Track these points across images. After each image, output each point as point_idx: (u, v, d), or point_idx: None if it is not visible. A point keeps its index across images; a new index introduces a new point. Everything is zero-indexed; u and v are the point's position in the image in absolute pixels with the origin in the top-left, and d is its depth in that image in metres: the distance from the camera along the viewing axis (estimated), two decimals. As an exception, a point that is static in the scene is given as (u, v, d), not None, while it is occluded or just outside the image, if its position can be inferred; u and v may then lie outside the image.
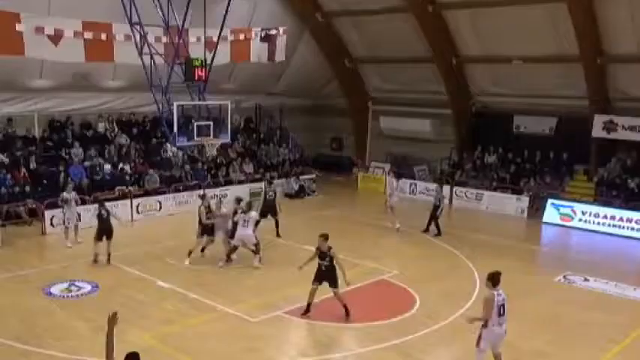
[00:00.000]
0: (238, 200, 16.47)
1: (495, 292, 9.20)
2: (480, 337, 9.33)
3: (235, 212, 15.91)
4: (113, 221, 16.09)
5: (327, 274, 12.15)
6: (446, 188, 25.56)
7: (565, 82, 23.79)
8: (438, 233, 19.63)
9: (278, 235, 18.96)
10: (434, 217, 19.76)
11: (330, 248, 12.11)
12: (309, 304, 12.37)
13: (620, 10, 20.36)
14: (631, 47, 21.33)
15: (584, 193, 23.17)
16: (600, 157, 23.96)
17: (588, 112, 23.37)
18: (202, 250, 16.16)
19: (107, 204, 16.61)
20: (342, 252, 16.27)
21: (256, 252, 15.82)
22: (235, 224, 15.78)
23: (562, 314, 13.27)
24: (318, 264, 12.29)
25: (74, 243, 17.30)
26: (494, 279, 9.30)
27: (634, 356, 11.38)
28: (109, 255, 15.73)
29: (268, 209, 19.18)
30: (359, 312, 12.48)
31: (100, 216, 15.87)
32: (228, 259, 15.84)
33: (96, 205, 17.98)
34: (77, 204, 17.67)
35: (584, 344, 11.69)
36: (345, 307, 12.29)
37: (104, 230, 15.75)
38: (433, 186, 26.05)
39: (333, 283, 12.18)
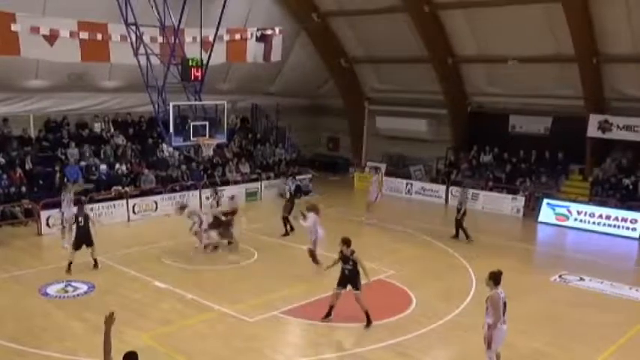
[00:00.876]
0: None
1: (499, 291, 9.24)
2: (490, 338, 9.26)
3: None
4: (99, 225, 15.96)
5: (350, 277, 12.07)
6: (442, 188, 25.76)
7: (560, 82, 23.86)
8: (467, 238, 19.10)
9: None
10: (459, 221, 19.23)
11: (352, 252, 12.03)
12: (331, 307, 12.19)
13: (615, 9, 20.41)
14: (626, 47, 21.40)
15: (579, 193, 23.24)
16: (595, 156, 24.04)
17: (584, 112, 23.44)
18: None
19: (88, 207, 16.70)
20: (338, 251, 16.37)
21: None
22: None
23: (558, 314, 13.30)
24: (342, 268, 12.17)
25: (70, 243, 17.08)
26: (496, 278, 9.33)
27: (630, 355, 11.42)
28: (95, 260, 15.25)
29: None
30: (355, 312, 12.49)
31: (77, 222, 15.02)
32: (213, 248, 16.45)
33: (92, 206, 18.10)
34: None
35: (580, 343, 11.72)
36: (366, 313, 12.04)
37: (82, 238, 14.95)
38: (430, 185, 26.33)
39: (356, 286, 12.06)
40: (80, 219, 15.01)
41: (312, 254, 15.46)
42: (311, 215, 15.50)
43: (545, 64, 23.89)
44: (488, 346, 9.28)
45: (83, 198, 19.39)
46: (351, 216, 22.16)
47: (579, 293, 14.82)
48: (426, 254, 17.67)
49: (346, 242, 12.09)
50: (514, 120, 26.41)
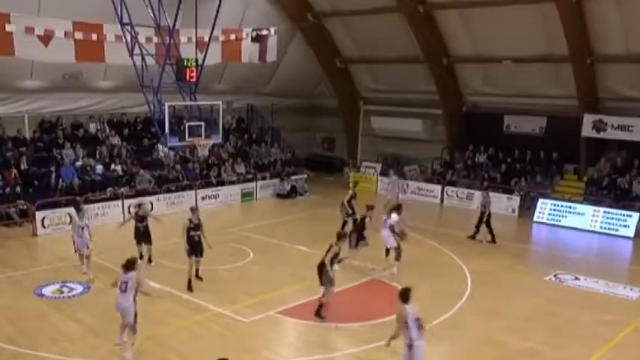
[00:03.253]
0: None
1: (407, 307, 8.94)
2: (411, 354, 8.96)
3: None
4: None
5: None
6: (437, 187, 25.79)
7: (555, 82, 23.95)
8: (492, 240, 19.07)
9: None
10: (484, 222, 19.00)
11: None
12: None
13: (609, 10, 20.49)
14: (620, 47, 21.47)
15: (574, 193, 23.32)
16: (590, 156, 24.13)
17: (578, 112, 23.51)
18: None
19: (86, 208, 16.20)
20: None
21: None
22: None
23: (553, 313, 13.34)
24: None
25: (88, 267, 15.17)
26: (403, 296, 9.06)
27: (624, 354, 11.47)
28: (149, 257, 15.85)
29: None
30: (351, 312, 12.52)
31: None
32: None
33: (87, 206, 18.01)
34: (89, 231, 15.01)
35: (574, 343, 11.76)
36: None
37: (142, 235, 15.64)
38: (425, 185, 26.34)
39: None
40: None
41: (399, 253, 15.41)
42: (394, 216, 15.58)
43: (540, 64, 23.94)
44: None
45: (78, 198, 19.41)
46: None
47: (574, 292, 14.86)
48: (421, 254, 17.69)
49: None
50: (509, 120, 26.49)
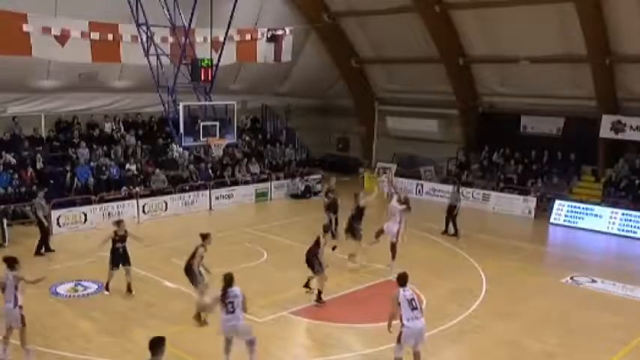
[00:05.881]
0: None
1: (401, 289, 9.60)
2: (400, 333, 9.49)
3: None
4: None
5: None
6: (451, 188, 25.58)
7: (573, 83, 23.68)
8: (455, 234, 19.68)
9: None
10: (452, 217, 19.73)
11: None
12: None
13: (628, 9, 20.21)
14: None
15: (591, 194, 23.05)
16: (608, 157, 23.84)
17: (596, 113, 23.26)
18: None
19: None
20: (348, 252, 16.32)
21: None
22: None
23: (569, 315, 13.19)
24: None
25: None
26: (400, 279, 9.83)
27: (642, 358, 11.31)
28: None
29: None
30: (365, 312, 12.45)
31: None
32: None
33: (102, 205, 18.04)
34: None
35: (591, 346, 11.62)
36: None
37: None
38: (440, 186, 26.15)
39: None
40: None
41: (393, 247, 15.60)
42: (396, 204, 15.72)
43: (557, 65, 23.70)
44: (398, 340, 9.56)
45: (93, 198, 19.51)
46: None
47: (591, 295, 14.69)
48: (436, 255, 17.58)
49: None
50: (525, 120, 26.25)
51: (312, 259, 13.16)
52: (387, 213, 15.98)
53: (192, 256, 12.43)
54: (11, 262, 10.17)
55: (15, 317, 10.01)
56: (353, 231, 15.97)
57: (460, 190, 21.13)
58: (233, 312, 9.80)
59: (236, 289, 9.92)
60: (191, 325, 12.02)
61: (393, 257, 15.45)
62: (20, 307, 10.00)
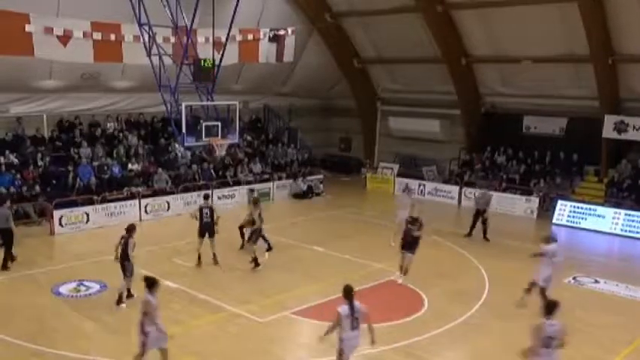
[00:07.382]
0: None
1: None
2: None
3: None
4: None
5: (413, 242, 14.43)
6: (454, 188, 25.59)
7: (575, 83, 23.66)
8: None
9: None
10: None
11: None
12: (403, 269, 14.65)
13: (631, 9, 20.18)
14: (642, 47, 21.18)
15: (594, 194, 23.00)
16: (611, 157, 23.80)
17: (599, 113, 23.21)
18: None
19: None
20: (349, 252, 16.36)
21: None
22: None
23: (571, 316, 13.09)
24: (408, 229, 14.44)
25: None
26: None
27: (645, 359, 11.27)
28: (214, 255, 15.80)
29: None
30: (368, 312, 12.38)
31: (202, 214, 15.47)
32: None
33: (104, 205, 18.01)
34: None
35: (593, 346, 11.59)
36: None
37: (205, 228, 15.52)
38: (443, 186, 26.14)
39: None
40: (206, 211, 15.44)
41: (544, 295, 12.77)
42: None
43: (560, 65, 23.69)
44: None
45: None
46: (365, 217, 22.11)
47: (593, 295, 14.66)
48: (438, 255, 17.55)
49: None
50: (528, 121, 26.23)
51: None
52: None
53: (126, 245, 12.66)
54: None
55: None
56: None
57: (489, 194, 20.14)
58: (357, 328, 9.04)
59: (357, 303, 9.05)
60: (191, 325, 12.00)
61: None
62: None
